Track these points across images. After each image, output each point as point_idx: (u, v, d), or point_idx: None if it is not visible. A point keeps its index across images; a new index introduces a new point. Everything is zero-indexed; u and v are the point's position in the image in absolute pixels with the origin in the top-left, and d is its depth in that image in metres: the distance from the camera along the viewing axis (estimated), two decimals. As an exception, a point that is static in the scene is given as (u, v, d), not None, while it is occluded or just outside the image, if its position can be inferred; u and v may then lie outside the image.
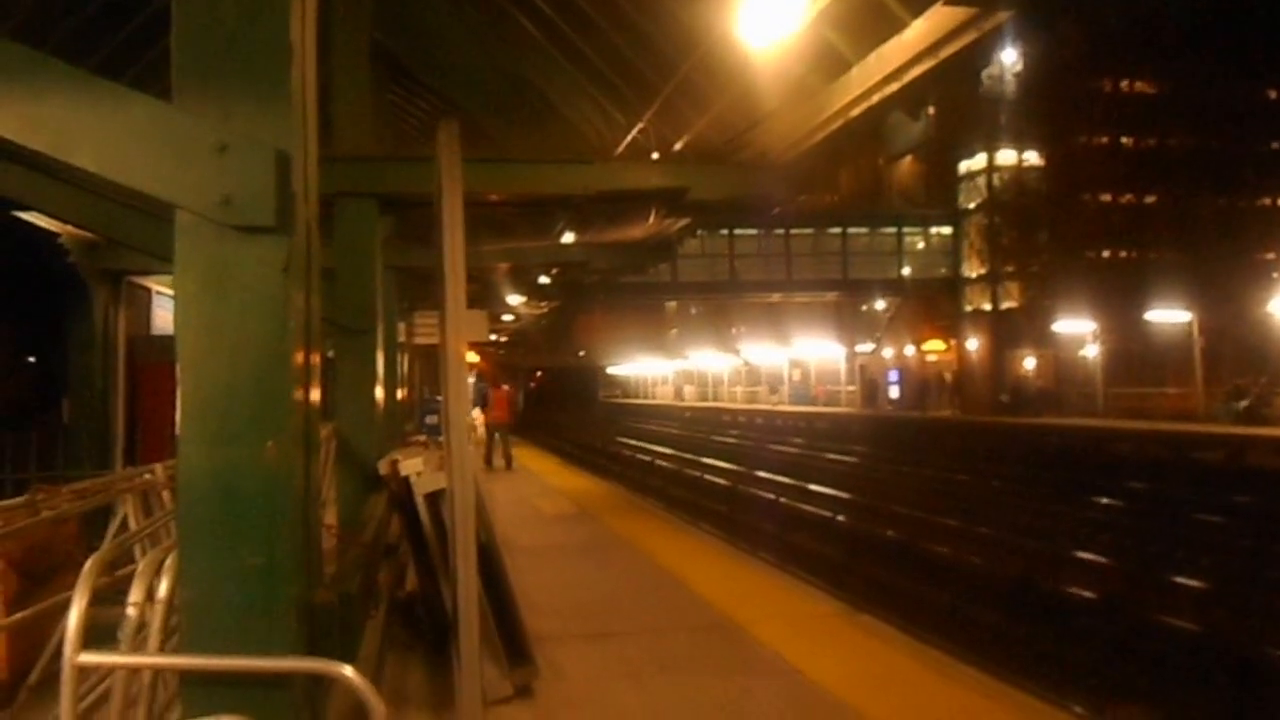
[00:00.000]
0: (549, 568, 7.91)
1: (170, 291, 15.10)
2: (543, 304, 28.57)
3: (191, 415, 2.47)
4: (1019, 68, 33.28)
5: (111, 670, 3.22)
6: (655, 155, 9.77)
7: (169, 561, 3.01)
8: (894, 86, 6.86)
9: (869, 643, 5.51)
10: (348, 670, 2.51)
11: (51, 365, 12.11)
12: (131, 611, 2.96)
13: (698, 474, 21.71)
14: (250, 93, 2.50)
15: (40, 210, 10.07)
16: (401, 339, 16.65)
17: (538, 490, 14.24)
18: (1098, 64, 31.97)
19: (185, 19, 2.51)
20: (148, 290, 14.30)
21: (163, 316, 14.80)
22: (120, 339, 12.80)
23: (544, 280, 19.97)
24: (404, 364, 20.22)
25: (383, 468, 5.87)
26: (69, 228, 11.23)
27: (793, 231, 37.68)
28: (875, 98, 7.16)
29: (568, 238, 14.86)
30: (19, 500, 5.35)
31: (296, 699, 2.57)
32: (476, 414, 16.99)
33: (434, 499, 4.85)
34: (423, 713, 4.42)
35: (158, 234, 9.87)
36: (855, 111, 7.44)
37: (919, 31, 6.62)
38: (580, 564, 8.31)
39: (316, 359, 2.76)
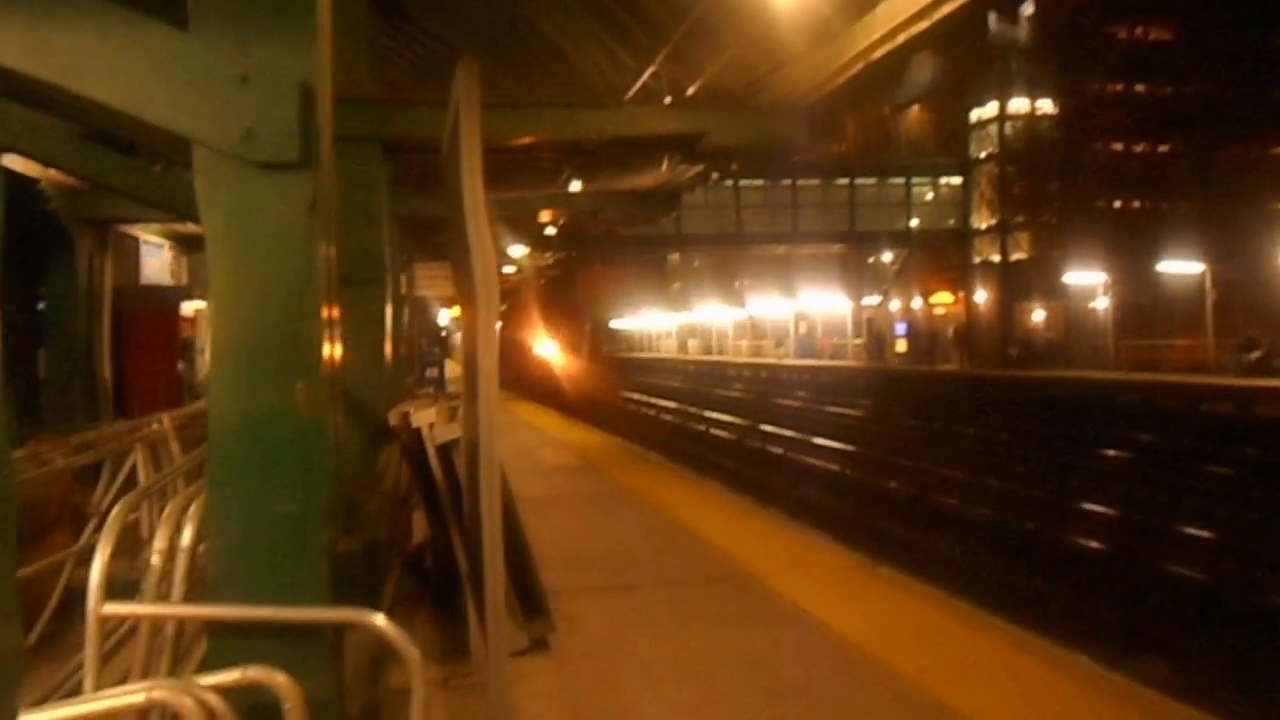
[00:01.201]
0: (558, 519, 7.84)
1: (158, 240, 14.54)
2: (547, 255, 28.28)
3: (222, 358, 2.40)
4: (1031, 11, 32.49)
5: (124, 621, 3.18)
6: (668, 100, 9.49)
7: (192, 509, 2.96)
8: (924, 24, 6.56)
9: (892, 594, 5.47)
10: (380, 619, 2.47)
11: (20, 317, 11.52)
12: (155, 560, 2.91)
13: (703, 428, 21.74)
14: (272, 22, 2.37)
15: (17, 152, 9.57)
16: (402, 290, 16.46)
17: (540, 442, 14.22)
18: (1113, 9, 31.25)
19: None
20: (135, 239, 13.71)
21: (152, 265, 14.30)
22: (106, 289, 12.22)
23: (550, 231, 19.70)
24: (404, 316, 20.06)
25: (394, 419, 5.81)
26: (50, 173, 10.55)
27: (799, 182, 37.18)
28: (901, 37, 6.88)
29: (575, 186, 14.57)
30: (20, 453, 5.23)
31: (325, 649, 2.53)
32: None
33: (445, 451, 4.78)
34: (430, 664, 4.36)
35: (145, 180, 9.53)
36: (879, 52, 7.16)
37: (955, -38, 6.34)
38: (589, 515, 8.27)
39: (337, 305, 2.66)
